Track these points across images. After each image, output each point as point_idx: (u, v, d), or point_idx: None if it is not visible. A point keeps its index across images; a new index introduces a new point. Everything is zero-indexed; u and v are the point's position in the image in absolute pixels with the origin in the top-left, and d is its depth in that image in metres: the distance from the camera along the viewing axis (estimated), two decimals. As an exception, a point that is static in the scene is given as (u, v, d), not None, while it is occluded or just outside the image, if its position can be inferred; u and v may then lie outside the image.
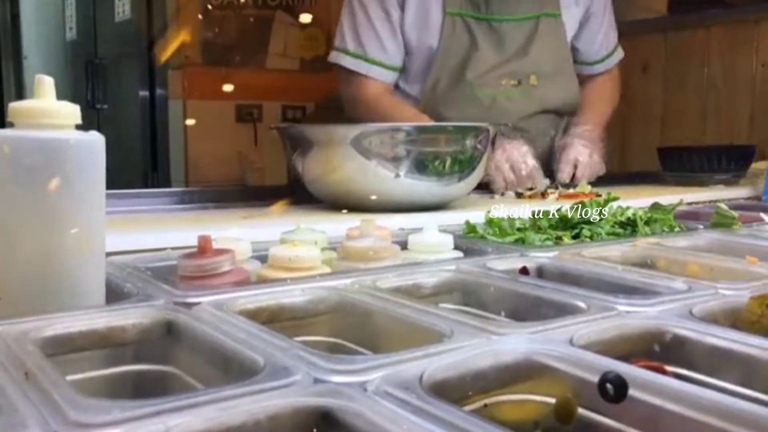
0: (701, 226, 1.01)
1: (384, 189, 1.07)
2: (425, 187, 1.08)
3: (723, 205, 1.04)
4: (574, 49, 1.79)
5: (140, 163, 3.42)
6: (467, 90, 1.62)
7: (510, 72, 1.64)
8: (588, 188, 1.43)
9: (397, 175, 1.06)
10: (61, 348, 0.49)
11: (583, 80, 1.83)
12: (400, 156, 1.05)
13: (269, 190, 1.35)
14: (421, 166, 1.07)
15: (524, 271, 0.73)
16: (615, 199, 1.01)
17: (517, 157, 1.45)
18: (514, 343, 0.47)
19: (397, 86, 1.70)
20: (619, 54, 1.90)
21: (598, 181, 1.60)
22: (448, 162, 1.08)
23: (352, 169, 1.07)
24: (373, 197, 1.07)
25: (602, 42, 1.84)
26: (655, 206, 1.04)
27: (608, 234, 0.93)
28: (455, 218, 1.01)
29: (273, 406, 0.36)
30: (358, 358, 0.44)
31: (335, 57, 1.65)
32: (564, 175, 1.57)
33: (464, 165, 1.10)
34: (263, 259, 0.72)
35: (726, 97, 2.55)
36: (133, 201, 1.19)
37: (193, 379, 0.50)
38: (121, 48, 3.55)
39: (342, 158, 1.07)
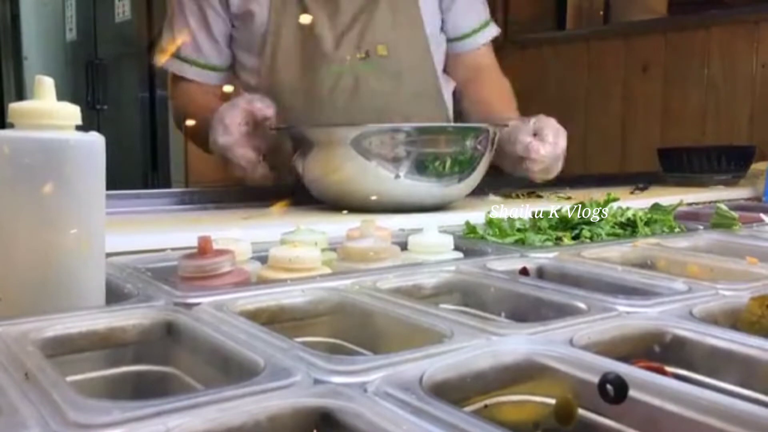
0: (701, 227, 1.01)
1: (384, 189, 1.07)
2: (425, 188, 1.08)
3: (723, 206, 1.04)
4: (442, 22, 1.59)
5: (140, 164, 3.42)
6: (309, 72, 1.43)
7: (353, 43, 1.44)
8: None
9: (397, 176, 1.06)
10: (61, 349, 0.49)
11: (458, 64, 1.63)
12: (400, 157, 1.06)
13: (269, 191, 1.35)
14: (421, 167, 1.07)
15: (524, 271, 0.73)
16: (615, 199, 1.01)
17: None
18: (514, 343, 0.47)
19: (235, 59, 1.53)
20: (493, 29, 1.65)
21: (600, 182, 1.59)
22: (448, 163, 1.09)
23: (353, 169, 1.07)
24: (374, 198, 1.07)
25: (469, 11, 1.62)
26: (655, 207, 1.04)
27: (608, 235, 0.93)
28: (455, 219, 1.01)
29: (273, 407, 0.37)
30: (358, 359, 0.44)
31: (155, 58, 1.54)
32: (525, 147, 1.26)
33: (464, 165, 1.11)
34: (263, 259, 0.72)
35: (726, 98, 2.55)
36: (133, 201, 1.19)
37: (193, 379, 0.50)
38: (121, 48, 3.56)
39: (342, 159, 1.07)
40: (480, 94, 1.63)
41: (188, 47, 1.47)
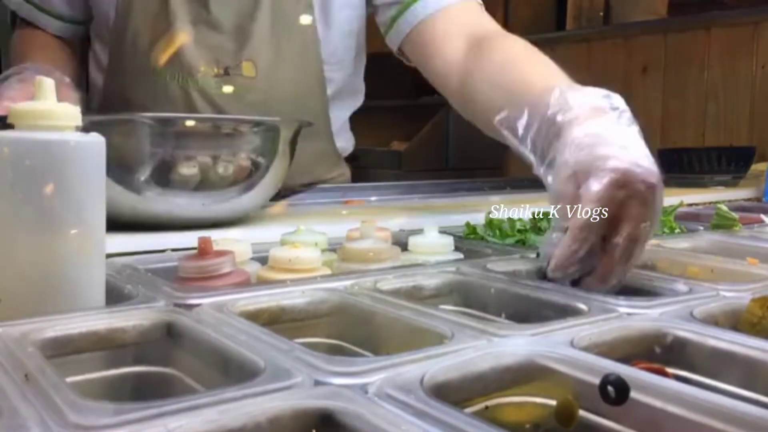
0: (702, 228, 1.01)
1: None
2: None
3: (723, 207, 1.04)
4: (373, 6, 1.19)
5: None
6: (155, 77, 1.13)
7: (214, 54, 1.12)
8: None
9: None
10: (62, 349, 0.49)
11: (425, 46, 1.13)
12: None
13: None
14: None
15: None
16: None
17: None
18: (515, 344, 0.47)
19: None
20: None
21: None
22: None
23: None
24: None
25: None
26: (656, 208, 1.03)
27: (609, 235, 0.93)
28: (456, 220, 1.01)
29: (273, 408, 0.36)
30: (359, 360, 0.43)
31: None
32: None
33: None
34: (263, 260, 0.72)
35: (726, 99, 2.55)
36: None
37: (194, 381, 0.50)
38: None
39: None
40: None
41: None
